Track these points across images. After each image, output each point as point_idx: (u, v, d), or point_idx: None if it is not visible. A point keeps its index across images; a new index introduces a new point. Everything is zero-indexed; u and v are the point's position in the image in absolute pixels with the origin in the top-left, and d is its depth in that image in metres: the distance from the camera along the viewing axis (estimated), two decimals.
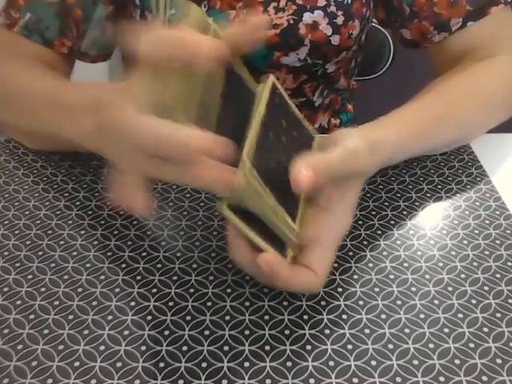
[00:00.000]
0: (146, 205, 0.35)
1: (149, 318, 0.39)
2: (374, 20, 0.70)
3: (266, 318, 0.40)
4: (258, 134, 0.36)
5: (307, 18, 0.60)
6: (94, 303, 0.41)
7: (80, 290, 0.42)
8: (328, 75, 0.68)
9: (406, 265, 0.44)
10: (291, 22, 0.60)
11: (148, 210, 0.35)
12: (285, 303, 0.41)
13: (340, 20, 0.61)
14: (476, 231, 0.47)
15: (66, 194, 0.51)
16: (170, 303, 0.41)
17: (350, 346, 0.37)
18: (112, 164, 0.37)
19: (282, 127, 0.40)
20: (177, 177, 0.35)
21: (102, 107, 0.37)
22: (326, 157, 0.38)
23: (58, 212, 0.49)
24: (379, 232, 0.47)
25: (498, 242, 0.46)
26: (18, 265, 0.44)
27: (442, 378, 0.35)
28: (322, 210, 0.40)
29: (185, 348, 0.37)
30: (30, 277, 0.43)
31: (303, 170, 0.35)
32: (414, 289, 0.42)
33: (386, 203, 0.50)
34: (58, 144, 0.55)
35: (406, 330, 0.38)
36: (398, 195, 0.51)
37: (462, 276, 0.43)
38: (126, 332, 0.38)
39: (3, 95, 0.53)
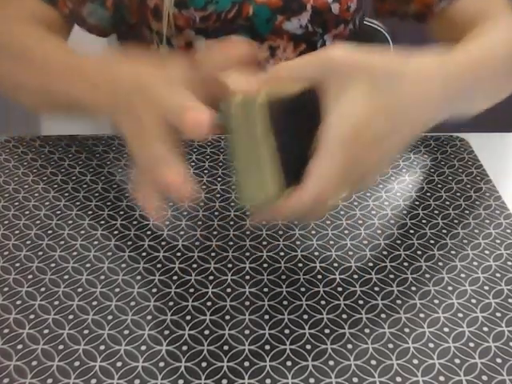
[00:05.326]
0: (159, 214, 0.37)
1: (149, 317, 0.40)
2: (376, 21, 0.70)
3: (266, 317, 0.40)
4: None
5: None
6: (94, 303, 0.41)
7: (80, 290, 0.42)
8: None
9: (405, 264, 0.44)
10: None
11: (160, 218, 0.36)
12: (285, 303, 0.41)
13: None
14: (476, 230, 0.47)
15: (65, 194, 0.51)
16: (170, 303, 0.41)
17: (349, 346, 0.37)
18: (133, 156, 0.37)
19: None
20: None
21: (138, 83, 0.38)
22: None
23: (58, 212, 0.49)
24: (379, 231, 0.47)
25: (497, 241, 0.46)
26: (18, 265, 0.44)
27: (441, 378, 0.35)
28: None
29: (185, 348, 0.37)
30: (30, 277, 0.43)
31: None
32: (413, 288, 0.42)
33: (386, 203, 0.50)
34: (66, 107, 0.51)
35: (406, 330, 0.38)
36: (398, 194, 0.51)
37: (462, 275, 0.43)
38: (126, 332, 0.38)
39: (17, 56, 0.51)
